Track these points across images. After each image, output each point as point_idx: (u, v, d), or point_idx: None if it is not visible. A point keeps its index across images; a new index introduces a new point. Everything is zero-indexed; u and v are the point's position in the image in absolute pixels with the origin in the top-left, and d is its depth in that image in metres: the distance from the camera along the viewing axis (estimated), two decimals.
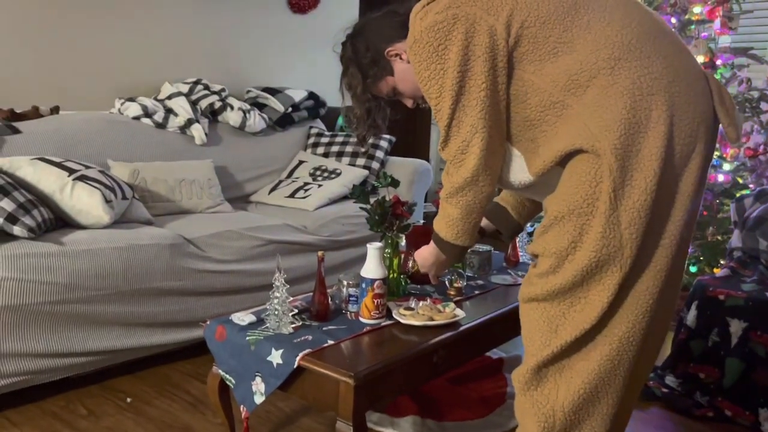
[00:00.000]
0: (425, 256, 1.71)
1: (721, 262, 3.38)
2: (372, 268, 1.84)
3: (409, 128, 5.34)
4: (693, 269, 3.55)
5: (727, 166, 3.58)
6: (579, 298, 1.28)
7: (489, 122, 1.32)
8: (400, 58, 1.57)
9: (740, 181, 3.56)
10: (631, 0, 1.34)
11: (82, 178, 2.47)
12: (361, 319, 1.87)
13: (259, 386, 1.72)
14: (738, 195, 3.10)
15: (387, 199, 2.06)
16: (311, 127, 3.93)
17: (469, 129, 1.33)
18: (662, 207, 1.24)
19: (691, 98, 1.25)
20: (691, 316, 2.49)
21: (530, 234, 2.74)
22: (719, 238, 3.48)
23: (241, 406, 1.77)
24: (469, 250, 2.03)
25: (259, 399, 1.73)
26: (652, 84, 1.23)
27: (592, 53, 1.25)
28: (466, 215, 1.45)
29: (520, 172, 1.41)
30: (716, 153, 3.60)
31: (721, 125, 1.32)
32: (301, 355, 1.64)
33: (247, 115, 3.54)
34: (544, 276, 1.32)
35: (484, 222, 1.90)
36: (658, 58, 1.25)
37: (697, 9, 3.61)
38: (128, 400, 2.31)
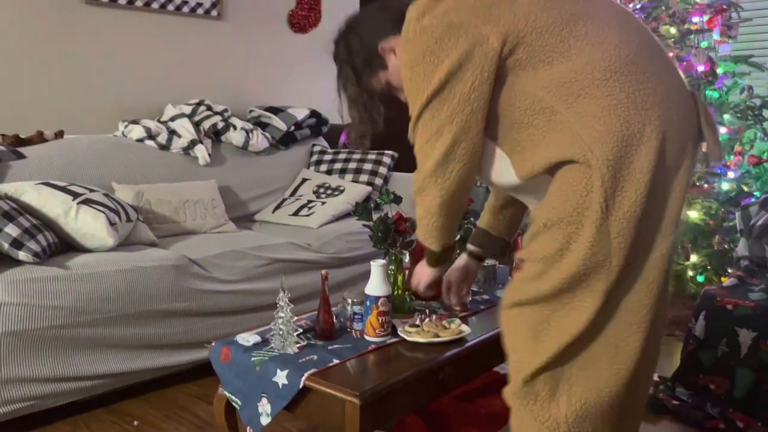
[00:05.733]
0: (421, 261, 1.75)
1: (728, 271, 3.36)
2: (376, 285, 1.83)
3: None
4: (700, 279, 3.52)
5: (731, 174, 3.57)
6: (564, 303, 1.27)
7: (459, 134, 1.32)
8: (394, 53, 1.54)
9: (745, 189, 3.55)
10: (629, 14, 1.35)
11: (87, 202, 2.48)
12: (366, 337, 1.87)
13: (265, 407, 1.71)
14: (743, 203, 3.08)
15: (390, 215, 2.06)
16: (314, 145, 3.95)
17: (435, 131, 1.34)
18: (653, 220, 1.25)
19: (682, 116, 1.27)
20: (699, 327, 2.47)
21: None
22: (726, 246, 3.46)
23: (248, 427, 1.76)
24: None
25: (265, 420, 1.72)
26: (647, 100, 1.24)
27: (588, 64, 1.26)
28: (426, 215, 1.47)
29: (505, 173, 1.40)
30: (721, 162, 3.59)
31: (705, 144, 1.33)
32: (306, 375, 1.63)
33: (250, 134, 3.55)
34: (529, 281, 1.31)
35: (476, 249, 1.90)
36: (653, 74, 1.27)
37: (696, 18, 3.62)
38: (135, 423, 2.30)
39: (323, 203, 3.41)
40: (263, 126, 3.76)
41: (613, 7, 1.35)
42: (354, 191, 3.49)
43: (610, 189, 1.21)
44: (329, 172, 3.75)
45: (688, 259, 3.54)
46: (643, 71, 1.26)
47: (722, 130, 3.56)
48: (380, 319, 1.84)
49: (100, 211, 2.46)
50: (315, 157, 3.87)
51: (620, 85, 1.24)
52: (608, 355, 1.28)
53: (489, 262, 2.46)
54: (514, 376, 1.34)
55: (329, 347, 1.81)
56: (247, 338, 1.85)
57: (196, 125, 3.40)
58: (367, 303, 1.85)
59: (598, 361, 1.28)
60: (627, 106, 1.23)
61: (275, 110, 3.81)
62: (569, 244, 1.25)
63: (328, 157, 3.83)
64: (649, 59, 1.28)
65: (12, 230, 2.20)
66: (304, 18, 4.19)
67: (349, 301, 1.92)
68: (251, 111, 3.85)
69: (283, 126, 3.75)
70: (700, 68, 3.55)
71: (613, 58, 1.25)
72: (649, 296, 1.27)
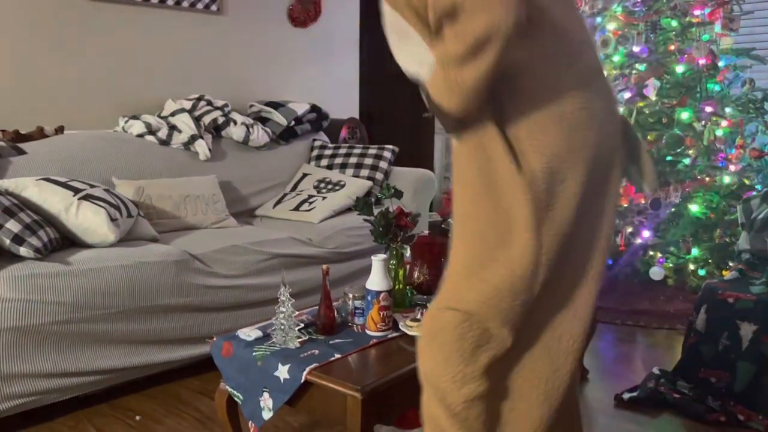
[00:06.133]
0: None
1: (730, 264, 3.36)
2: (377, 280, 1.84)
3: (413, 138, 5.35)
4: (701, 272, 3.53)
5: (733, 168, 3.57)
6: (486, 322, 1.22)
7: None
8: None
9: (747, 182, 3.55)
10: (585, 24, 1.31)
11: (88, 197, 2.48)
12: (368, 332, 1.87)
13: (266, 402, 1.72)
14: (744, 196, 3.08)
15: (391, 210, 2.06)
16: (314, 140, 3.94)
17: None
18: (584, 242, 1.24)
19: (611, 142, 1.25)
20: (700, 320, 2.47)
21: None
22: (727, 240, 3.46)
23: (250, 422, 1.77)
24: None
25: (267, 415, 1.72)
26: (588, 120, 1.20)
27: (545, 62, 1.20)
28: (479, 77, 1.14)
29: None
30: (721, 155, 3.59)
31: (641, 173, 1.34)
32: (307, 369, 1.63)
33: (251, 129, 3.55)
34: (456, 281, 1.26)
35: None
36: (600, 96, 1.24)
37: (697, 11, 3.61)
38: (137, 418, 2.30)
39: (324, 198, 3.41)
40: (263, 121, 3.75)
41: (576, 12, 1.31)
42: (355, 186, 3.49)
43: (543, 202, 1.17)
44: (330, 167, 3.75)
45: (689, 252, 3.54)
46: (592, 90, 1.23)
47: (723, 123, 3.56)
48: (381, 313, 1.84)
49: (100, 206, 2.46)
50: (315, 152, 3.87)
51: (570, 98, 1.19)
52: (538, 391, 1.26)
53: None
54: (449, 393, 1.25)
55: (330, 342, 1.82)
56: (249, 333, 1.85)
57: (197, 120, 3.39)
58: (369, 298, 1.85)
59: (529, 396, 1.26)
60: (570, 122, 1.19)
61: (275, 105, 3.81)
62: (495, 248, 1.20)
63: (328, 152, 3.83)
64: (597, 79, 1.25)
65: (13, 226, 2.21)
66: (303, 12, 4.18)
67: (351, 295, 1.93)
68: (251, 106, 3.85)
69: (283, 121, 3.75)
70: (702, 61, 3.54)
71: (569, 69, 1.21)
72: (580, 325, 1.26)
